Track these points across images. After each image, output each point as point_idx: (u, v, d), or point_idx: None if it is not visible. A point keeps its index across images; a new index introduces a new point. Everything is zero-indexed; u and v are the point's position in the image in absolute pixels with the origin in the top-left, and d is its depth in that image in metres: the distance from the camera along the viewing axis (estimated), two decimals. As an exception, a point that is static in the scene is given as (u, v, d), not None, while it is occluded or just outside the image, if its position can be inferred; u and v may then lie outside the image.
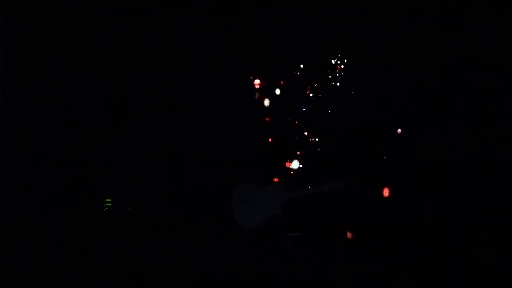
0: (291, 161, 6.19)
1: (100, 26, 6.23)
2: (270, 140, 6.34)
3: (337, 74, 6.31)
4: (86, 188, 6.16)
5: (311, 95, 6.37)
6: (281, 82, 6.37)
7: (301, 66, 6.33)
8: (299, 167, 6.28)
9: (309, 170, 6.25)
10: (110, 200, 6.23)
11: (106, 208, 6.22)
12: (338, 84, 6.35)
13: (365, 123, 6.28)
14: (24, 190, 5.91)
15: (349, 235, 5.82)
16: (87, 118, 6.21)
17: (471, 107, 6.11)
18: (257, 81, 6.24)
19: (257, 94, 6.23)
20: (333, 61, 6.34)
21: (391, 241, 5.98)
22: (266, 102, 6.01)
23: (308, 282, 5.66)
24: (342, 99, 6.33)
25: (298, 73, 6.38)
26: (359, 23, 6.21)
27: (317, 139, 6.35)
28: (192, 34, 6.35)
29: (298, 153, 6.34)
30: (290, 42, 6.29)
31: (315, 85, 6.35)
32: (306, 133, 6.37)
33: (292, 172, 6.22)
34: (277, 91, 6.38)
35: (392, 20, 6.19)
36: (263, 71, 6.36)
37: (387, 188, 6.04)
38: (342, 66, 6.33)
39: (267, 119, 6.38)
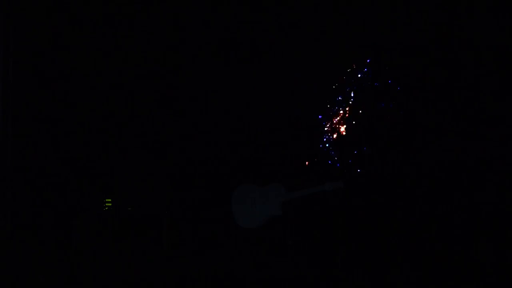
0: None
1: (101, 25, 6.23)
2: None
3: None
4: (86, 188, 6.16)
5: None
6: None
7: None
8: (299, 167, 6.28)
9: (309, 170, 6.25)
10: (110, 200, 6.23)
11: (106, 208, 6.22)
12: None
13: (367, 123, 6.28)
14: (24, 189, 5.91)
15: None
16: (87, 118, 6.21)
17: (471, 107, 6.10)
18: None
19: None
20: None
21: (391, 242, 5.99)
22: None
23: (308, 282, 5.66)
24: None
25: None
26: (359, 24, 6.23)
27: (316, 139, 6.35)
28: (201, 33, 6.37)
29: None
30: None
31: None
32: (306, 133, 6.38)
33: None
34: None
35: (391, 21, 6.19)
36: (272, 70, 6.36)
37: None
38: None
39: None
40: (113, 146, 6.28)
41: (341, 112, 6.28)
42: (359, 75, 6.25)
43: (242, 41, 6.35)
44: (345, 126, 6.27)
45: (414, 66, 6.19)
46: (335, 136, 6.26)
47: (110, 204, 6.22)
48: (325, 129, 6.29)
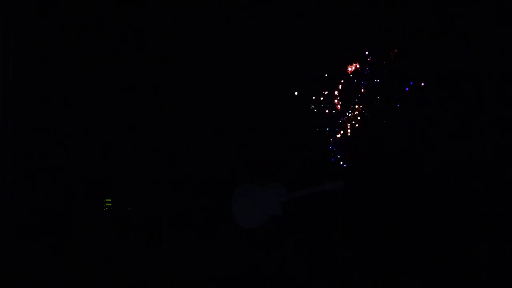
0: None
1: (101, 25, 6.24)
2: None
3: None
4: (86, 188, 6.16)
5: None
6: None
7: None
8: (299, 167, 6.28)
9: (309, 170, 6.26)
10: (110, 200, 6.23)
11: (106, 208, 6.22)
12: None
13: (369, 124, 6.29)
14: (24, 189, 5.91)
15: None
16: (87, 118, 6.21)
17: (472, 109, 6.11)
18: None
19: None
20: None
21: (391, 242, 5.99)
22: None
23: (308, 282, 5.66)
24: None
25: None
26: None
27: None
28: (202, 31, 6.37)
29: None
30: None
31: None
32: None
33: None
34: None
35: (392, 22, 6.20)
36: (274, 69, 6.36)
37: None
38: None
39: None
40: (113, 146, 6.28)
41: (346, 111, 6.30)
42: (361, 74, 6.27)
43: (243, 41, 6.35)
44: (349, 124, 6.28)
45: (415, 66, 6.20)
46: (339, 135, 6.27)
47: (110, 204, 6.22)
48: (331, 128, 6.31)
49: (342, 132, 6.31)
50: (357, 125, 6.29)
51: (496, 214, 5.88)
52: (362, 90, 6.28)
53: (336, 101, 6.34)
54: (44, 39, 6.09)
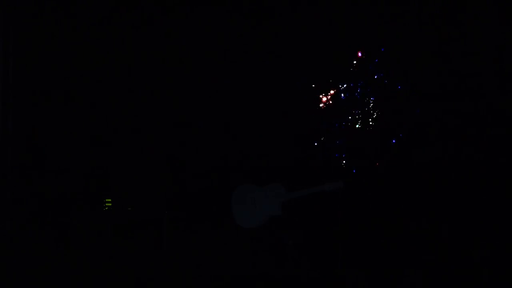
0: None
1: (102, 25, 6.24)
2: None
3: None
4: (86, 188, 6.16)
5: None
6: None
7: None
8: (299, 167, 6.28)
9: (309, 170, 6.26)
10: (110, 200, 6.23)
11: (106, 208, 6.22)
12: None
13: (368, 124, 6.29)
14: (24, 190, 5.92)
15: None
16: (87, 118, 6.21)
17: (471, 108, 6.11)
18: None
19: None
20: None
21: (391, 242, 5.99)
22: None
23: (308, 282, 5.66)
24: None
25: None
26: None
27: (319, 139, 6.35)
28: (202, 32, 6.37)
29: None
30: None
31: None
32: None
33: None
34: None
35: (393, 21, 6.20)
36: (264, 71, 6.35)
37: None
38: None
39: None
40: (114, 146, 6.28)
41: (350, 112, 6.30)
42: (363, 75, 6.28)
43: (245, 41, 6.35)
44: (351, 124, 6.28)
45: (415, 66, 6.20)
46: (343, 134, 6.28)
47: (110, 204, 6.22)
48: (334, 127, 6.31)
49: (342, 132, 6.31)
50: (357, 125, 6.29)
51: (496, 214, 5.88)
52: (366, 89, 6.29)
53: (337, 100, 6.34)
54: (44, 39, 6.08)
